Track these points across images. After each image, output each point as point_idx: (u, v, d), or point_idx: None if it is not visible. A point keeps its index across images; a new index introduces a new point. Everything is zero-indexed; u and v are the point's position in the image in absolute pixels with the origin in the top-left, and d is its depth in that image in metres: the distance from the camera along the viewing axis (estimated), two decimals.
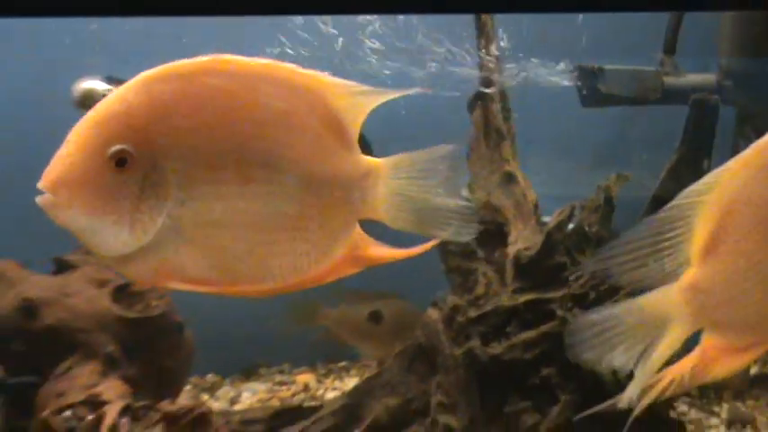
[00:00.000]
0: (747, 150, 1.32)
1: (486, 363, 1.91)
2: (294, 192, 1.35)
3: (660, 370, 1.40)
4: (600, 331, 1.40)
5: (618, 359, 1.40)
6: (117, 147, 1.26)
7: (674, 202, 1.39)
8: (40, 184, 1.25)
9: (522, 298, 1.91)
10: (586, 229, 2.08)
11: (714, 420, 2.54)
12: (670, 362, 1.40)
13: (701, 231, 1.37)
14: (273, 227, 1.36)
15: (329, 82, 1.35)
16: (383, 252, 1.39)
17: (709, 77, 2.44)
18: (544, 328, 1.89)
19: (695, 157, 2.25)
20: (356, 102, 1.37)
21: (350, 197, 1.37)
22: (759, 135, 1.75)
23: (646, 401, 1.43)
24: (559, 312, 1.90)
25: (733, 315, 1.40)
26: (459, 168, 1.38)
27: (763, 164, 1.34)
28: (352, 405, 2.13)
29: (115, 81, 2.32)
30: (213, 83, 1.31)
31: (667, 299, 1.41)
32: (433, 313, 2.06)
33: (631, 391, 1.39)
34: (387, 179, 1.38)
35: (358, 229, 1.36)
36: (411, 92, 1.42)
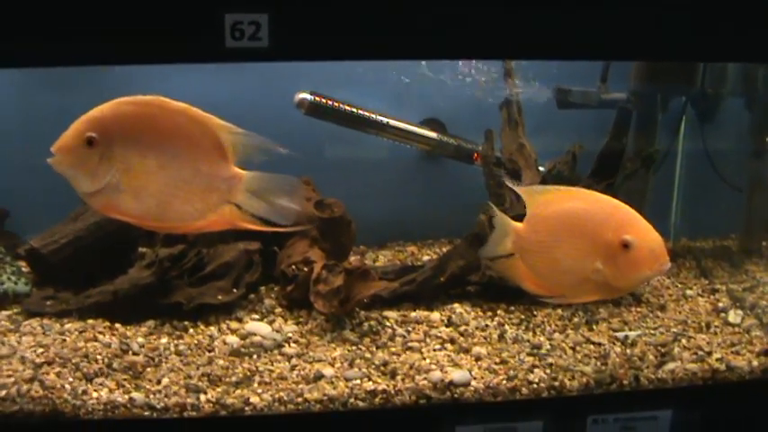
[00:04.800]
0: (573, 189, 1.95)
1: None
2: (188, 176, 1.74)
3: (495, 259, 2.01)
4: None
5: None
6: (89, 134, 1.70)
7: (531, 187, 2.06)
8: (52, 149, 1.68)
9: None
10: (562, 172, 2.66)
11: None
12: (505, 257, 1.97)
13: (532, 206, 1.92)
14: (174, 194, 1.74)
15: (219, 122, 1.75)
16: (246, 223, 1.80)
17: (623, 94, 2.93)
18: None
19: (619, 136, 2.70)
20: (233, 137, 1.76)
21: (220, 187, 1.76)
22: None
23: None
24: None
25: (529, 259, 1.94)
26: (297, 190, 1.80)
27: (554, 197, 1.91)
28: (441, 264, 2.58)
29: (316, 94, 2.84)
30: (149, 109, 1.73)
31: (511, 227, 1.96)
32: (483, 216, 2.49)
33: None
34: (245, 182, 1.77)
35: (232, 206, 1.77)
36: (271, 145, 1.76)
